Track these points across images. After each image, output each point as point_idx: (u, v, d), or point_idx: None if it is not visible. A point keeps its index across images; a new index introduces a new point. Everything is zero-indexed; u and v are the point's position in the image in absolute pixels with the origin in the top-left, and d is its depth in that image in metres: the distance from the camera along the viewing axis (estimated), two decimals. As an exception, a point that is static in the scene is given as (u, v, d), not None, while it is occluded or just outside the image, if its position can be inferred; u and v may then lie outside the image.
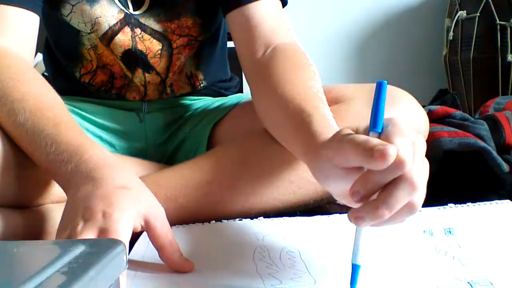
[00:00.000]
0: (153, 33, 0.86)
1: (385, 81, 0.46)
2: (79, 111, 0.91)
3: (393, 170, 0.43)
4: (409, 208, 0.44)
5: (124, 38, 0.85)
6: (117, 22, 0.84)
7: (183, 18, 0.86)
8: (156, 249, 0.56)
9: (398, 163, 0.42)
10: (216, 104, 0.95)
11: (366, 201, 0.45)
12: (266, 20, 0.77)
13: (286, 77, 0.68)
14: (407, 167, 0.42)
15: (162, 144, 0.94)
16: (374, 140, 0.43)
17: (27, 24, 0.75)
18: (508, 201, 0.70)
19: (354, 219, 0.45)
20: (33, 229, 0.68)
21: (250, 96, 0.93)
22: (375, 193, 0.45)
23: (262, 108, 0.72)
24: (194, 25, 0.87)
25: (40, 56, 1.59)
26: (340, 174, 0.48)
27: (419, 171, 0.44)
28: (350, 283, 0.47)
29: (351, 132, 0.48)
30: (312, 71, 0.70)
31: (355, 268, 0.47)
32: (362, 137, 0.45)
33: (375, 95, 0.46)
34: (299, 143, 0.59)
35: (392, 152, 0.41)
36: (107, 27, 0.84)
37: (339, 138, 0.48)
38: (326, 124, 0.57)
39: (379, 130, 0.46)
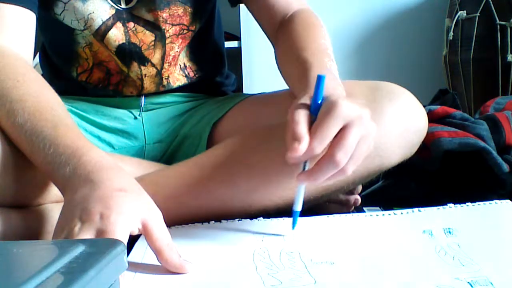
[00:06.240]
0: (146, 25, 0.87)
1: (323, 75, 0.58)
2: (78, 111, 0.92)
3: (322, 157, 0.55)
4: (342, 171, 0.56)
5: (117, 33, 0.86)
6: (110, 17, 0.85)
7: (173, 6, 0.87)
8: (154, 252, 0.55)
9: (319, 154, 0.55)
10: (216, 103, 0.95)
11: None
12: None
13: (302, 35, 0.78)
14: (317, 152, 0.55)
15: (161, 142, 0.94)
16: (295, 133, 0.55)
17: (24, 22, 0.75)
18: (508, 201, 0.70)
19: (295, 179, 0.59)
20: (33, 229, 0.68)
21: (250, 95, 0.94)
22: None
23: (281, 63, 0.81)
24: (184, 13, 0.89)
25: (40, 56, 1.58)
26: None
27: (342, 151, 0.55)
28: (292, 226, 0.62)
29: (303, 103, 0.58)
30: (323, 30, 0.80)
31: (295, 214, 0.62)
32: (294, 122, 0.56)
33: (315, 87, 0.57)
34: (298, 90, 0.67)
35: (299, 152, 0.54)
36: (100, 23, 0.85)
37: (294, 107, 0.58)
38: (322, 70, 0.65)
39: (315, 115, 0.57)
